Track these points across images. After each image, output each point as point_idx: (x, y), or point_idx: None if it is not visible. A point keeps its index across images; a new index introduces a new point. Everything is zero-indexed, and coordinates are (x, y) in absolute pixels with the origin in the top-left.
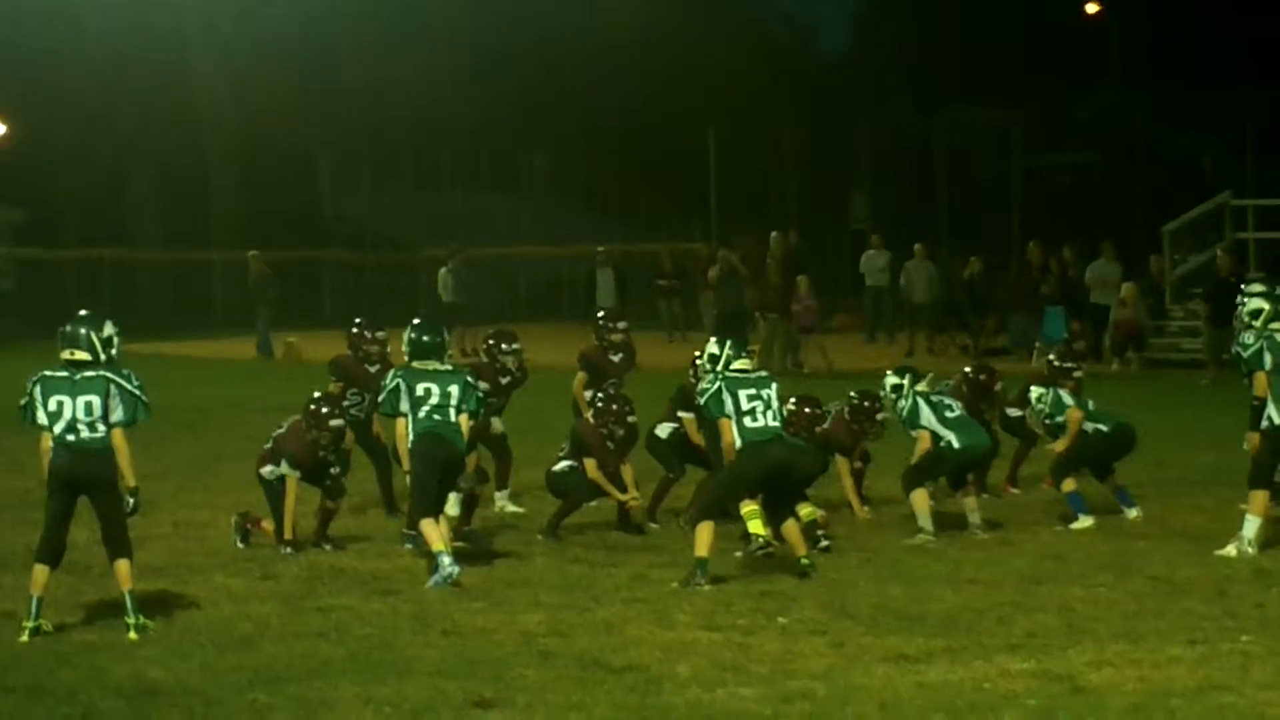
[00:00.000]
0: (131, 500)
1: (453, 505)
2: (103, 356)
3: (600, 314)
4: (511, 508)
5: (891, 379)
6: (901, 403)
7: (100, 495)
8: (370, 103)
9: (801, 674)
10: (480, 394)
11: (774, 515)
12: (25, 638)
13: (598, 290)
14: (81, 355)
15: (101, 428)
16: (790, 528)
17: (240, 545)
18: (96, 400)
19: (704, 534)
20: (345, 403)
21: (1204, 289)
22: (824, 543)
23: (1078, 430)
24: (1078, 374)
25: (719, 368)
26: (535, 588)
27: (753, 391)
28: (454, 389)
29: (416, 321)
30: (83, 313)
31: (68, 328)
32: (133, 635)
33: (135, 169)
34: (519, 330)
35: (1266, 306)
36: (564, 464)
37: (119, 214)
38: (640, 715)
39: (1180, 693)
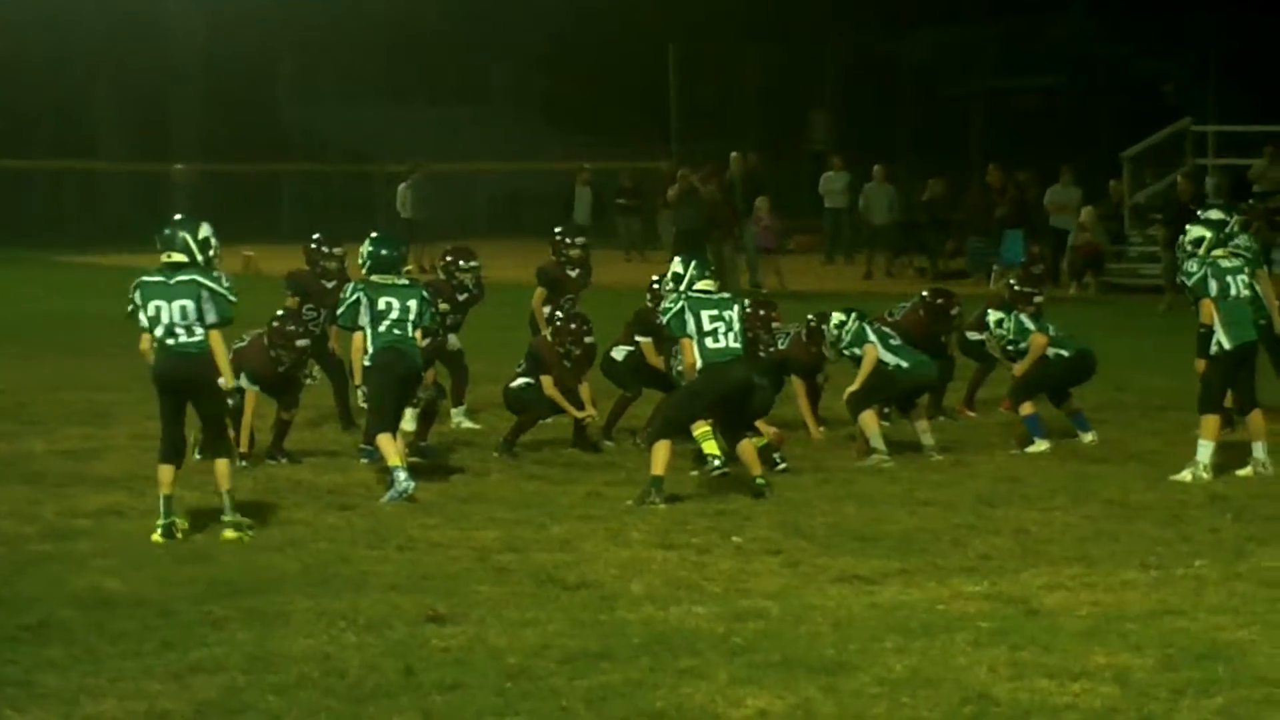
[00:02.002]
0: (231, 401)
1: (409, 420)
2: (199, 258)
3: (558, 230)
4: (468, 424)
5: (838, 316)
6: (849, 326)
7: (200, 397)
8: (335, 13)
9: (755, 593)
10: (435, 310)
11: (730, 435)
12: (158, 535)
13: (576, 207)
14: (179, 257)
15: (199, 331)
16: (745, 447)
17: (198, 458)
18: (190, 304)
19: (660, 453)
20: (302, 318)
21: (1163, 214)
22: (781, 464)
23: (1040, 355)
24: (1038, 299)
25: (682, 287)
26: (491, 504)
27: (715, 312)
28: (412, 304)
29: (375, 235)
30: (178, 216)
31: (166, 230)
32: (228, 534)
33: (101, 80)
34: (478, 246)
35: (1208, 234)
36: (521, 380)
37: (86, 125)
38: (594, 632)
39: (1134, 616)
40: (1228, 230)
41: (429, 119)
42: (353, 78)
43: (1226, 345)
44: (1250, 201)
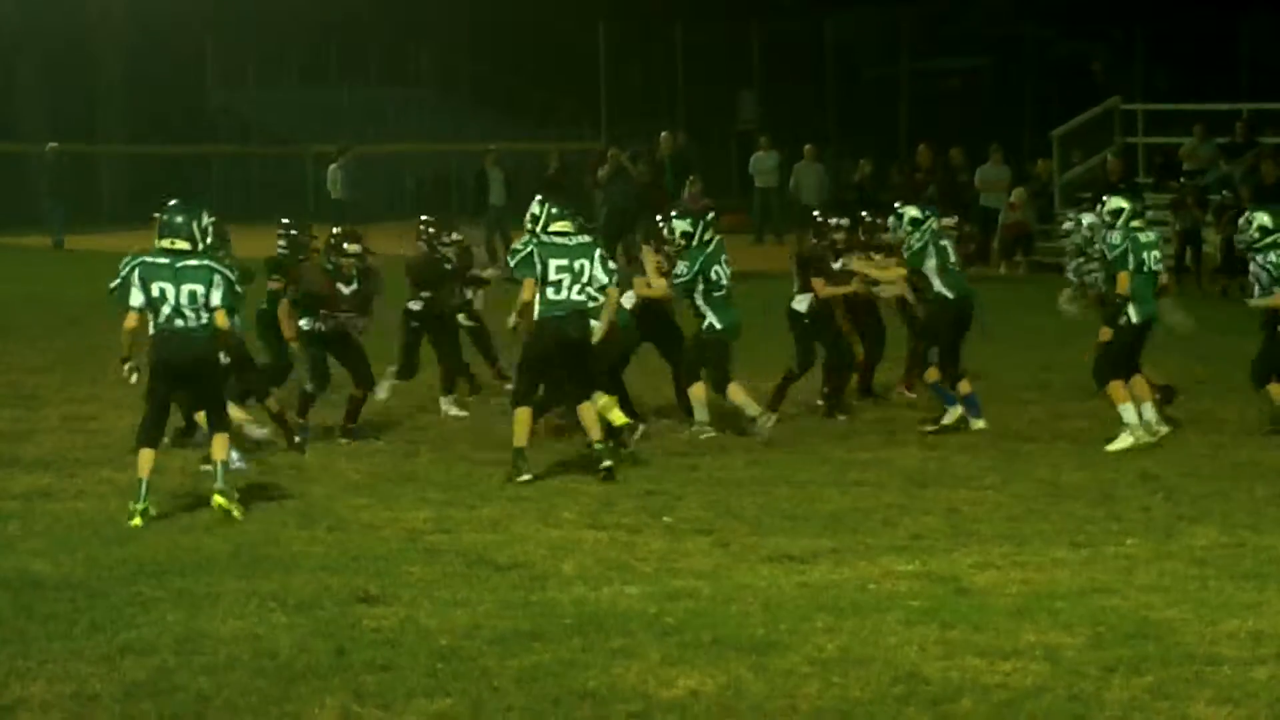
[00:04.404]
0: None
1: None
2: (201, 245)
3: (424, 219)
4: (455, 412)
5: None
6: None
7: (202, 380)
8: None
9: (686, 573)
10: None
11: (573, 395)
12: (137, 521)
13: (491, 189)
14: (182, 244)
15: (205, 316)
16: (586, 409)
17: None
18: (200, 289)
19: (519, 423)
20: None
21: (1092, 193)
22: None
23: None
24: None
25: (537, 228)
26: (421, 485)
27: (564, 262)
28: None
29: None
30: (174, 202)
31: (166, 217)
32: (219, 500)
33: (22, 62)
34: (405, 227)
35: (1127, 205)
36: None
37: (7, 108)
38: (525, 612)
39: (1064, 595)
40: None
41: (354, 100)
42: (276, 59)
43: (1135, 319)
44: (1181, 180)
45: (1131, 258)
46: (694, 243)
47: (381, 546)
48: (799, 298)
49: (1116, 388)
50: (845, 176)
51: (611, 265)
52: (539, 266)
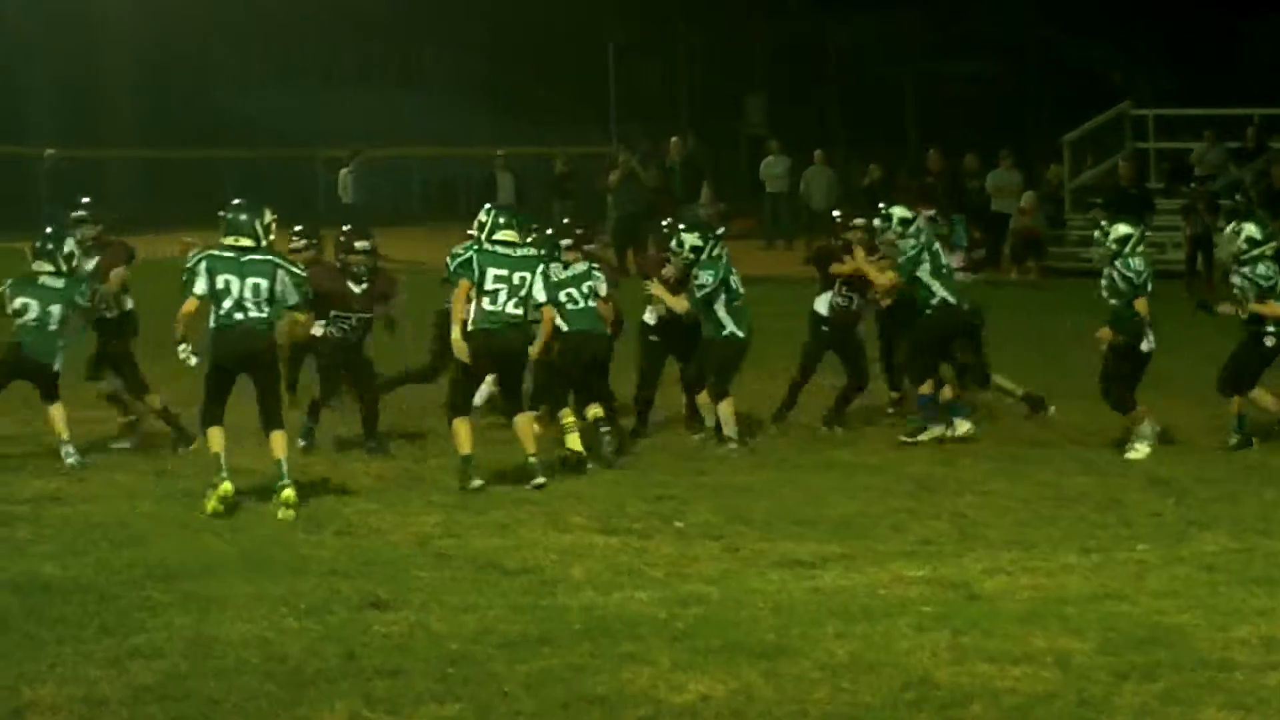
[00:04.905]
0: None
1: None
2: (264, 242)
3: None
4: None
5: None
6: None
7: (260, 372)
8: None
9: (696, 578)
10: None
11: (505, 404)
12: (226, 488)
13: (498, 193)
14: (245, 242)
15: (266, 309)
16: (521, 422)
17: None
18: (264, 283)
19: (459, 432)
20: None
21: (1103, 198)
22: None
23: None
24: None
25: (482, 235)
26: (429, 489)
27: (503, 272)
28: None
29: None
30: (238, 201)
31: (229, 215)
32: (285, 494)
33: (30, 66)
34: (413, 231)
35: (1135, 231)
36: None
37: (14, 112)
38: (535, 617)
39: (1074, 600)
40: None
41: (363, 103)
42: (285, 61)
43: (1152, 345)
44: (1192, 185)
45: (1150, 282)
46: (704, 256)
47: (390, 551)
48: (819, 298)
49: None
50: (855, 181)
51: (567, 277)
52: (476, 273)
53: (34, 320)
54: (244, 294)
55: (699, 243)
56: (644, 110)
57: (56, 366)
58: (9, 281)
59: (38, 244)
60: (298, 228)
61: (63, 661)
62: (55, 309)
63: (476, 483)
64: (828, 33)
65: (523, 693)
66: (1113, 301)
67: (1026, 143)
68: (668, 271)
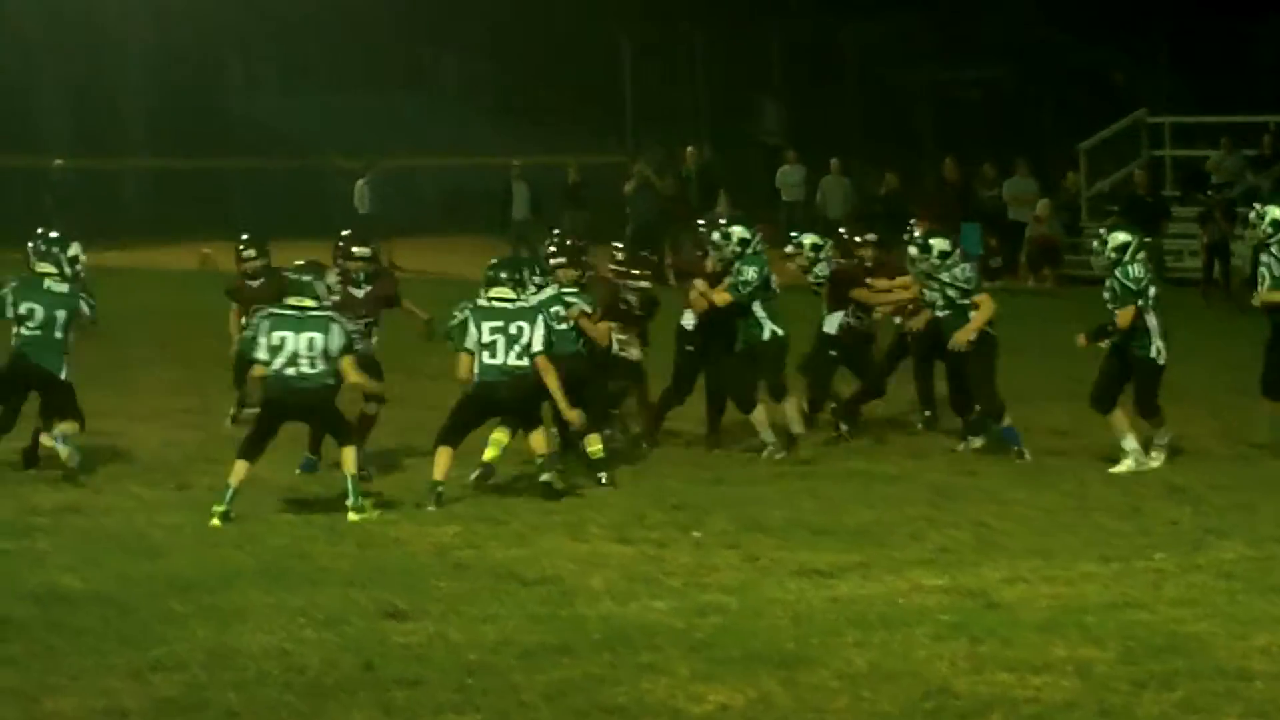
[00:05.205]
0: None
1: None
2: (326, 301)
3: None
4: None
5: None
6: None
7: (315, 418)
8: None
9: (714, 587)
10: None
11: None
12: (215, 521)
13: (514, 203)
14: (309, 303)
15: (321, 364)
16: (534, 437)
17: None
18: (319, 337)
19: (439, 459)
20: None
21: (1119, 206)
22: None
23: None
24: None
25: (479, 297)
26: (448, 500)
27: (499, 324)
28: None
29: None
30: (300, 261)
31: (296, 277)
32: (352, 516)
33: (43, 76)
34: (429, 241)
35: (1134, 240)
36: None
37: (28, 122)
38: (553, 627)
39: (1093, 609)
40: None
41: (375, 111)
42: (298, 68)
43: (1165, 357)
44: (1209, 193)
45: (1151, 289)
46: (749, 249)
47: (409, 561)
48: (829, 319)
49: (1119, 417)
50: (870, 189)
51: (559, 328)
52: (474, 333)
53: (37, 326)
54: (298, 349)
55: (746, 235)
56: (659, 118)
57: (63, 375)
58: (12, 283)
59: (40, 244)
60: (244, 236)
61: (84, 673)
62: (60, 315)
63: (430, 507)
64: (842, 37)
65: (541, 703)
66: (1115, 309)
67: (1043, 151)
68: (709, 265)
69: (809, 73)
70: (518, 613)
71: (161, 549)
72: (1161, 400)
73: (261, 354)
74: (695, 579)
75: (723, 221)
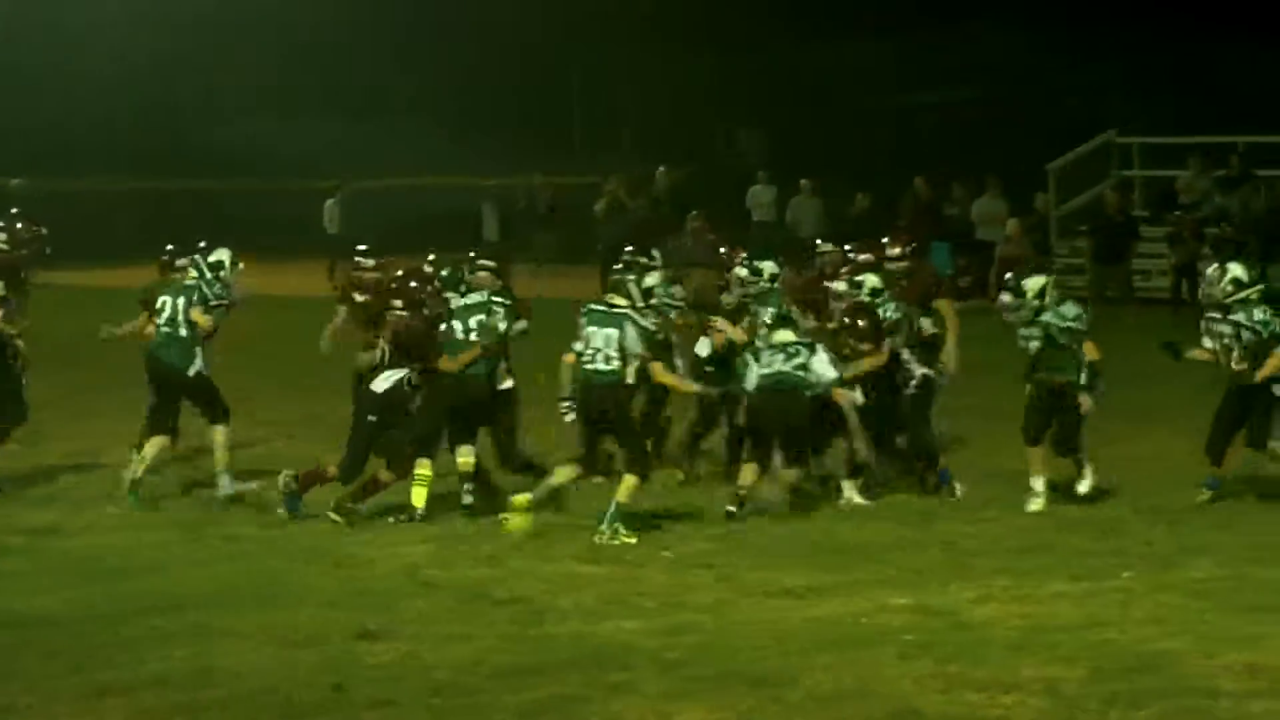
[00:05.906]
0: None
1: None
2: (640, 303)
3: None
4: None
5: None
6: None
7: (606, 415)
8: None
9: (688, 607)
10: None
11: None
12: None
13: (484, 225)
14: (619, 301)
15: (615, 361)
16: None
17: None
18: (615, 334)
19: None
20: None
21: (1089, 226)
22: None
23: None
24: None
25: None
26: (420, 521)
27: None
28: None
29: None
30: (619, 265)
31: (616, 277)
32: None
33: (40, 98)
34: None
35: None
36: None
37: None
38: (524, 647)
39: (1062, 628)
40: None
41: (332, 134)
42: (275, 93)
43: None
44: (1177, 213)
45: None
46: (776, 283)
47: (381, 582)
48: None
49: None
50: (841, 210)
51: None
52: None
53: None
54: (598, 344)
55: (775, 269)
56: (629, 138)
57: (191, 371)
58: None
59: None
60: (169, 247)
61: (66, 694)
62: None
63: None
64: (810, 61)
65: None
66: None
67: (1007, 170)
68: (728, 300)
69: (781, 95)
70: (488, 633)
71: (145, 568)
72: (1135, 421)
73: (578, 344)
74: (669, 599)
75: (744, 256)
